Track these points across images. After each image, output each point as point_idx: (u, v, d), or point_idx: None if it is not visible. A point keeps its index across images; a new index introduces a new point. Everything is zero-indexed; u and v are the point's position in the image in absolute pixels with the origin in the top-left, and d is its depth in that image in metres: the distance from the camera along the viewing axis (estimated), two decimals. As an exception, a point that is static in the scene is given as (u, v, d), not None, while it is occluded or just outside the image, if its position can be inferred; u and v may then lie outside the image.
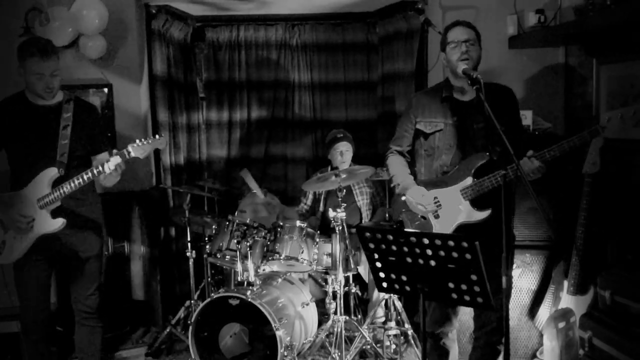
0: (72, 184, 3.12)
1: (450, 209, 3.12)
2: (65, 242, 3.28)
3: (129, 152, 3.08)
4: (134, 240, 4.70)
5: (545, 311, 3.63)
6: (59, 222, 3.16)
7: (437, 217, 3.16)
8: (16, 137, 3.20)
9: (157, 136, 3.17)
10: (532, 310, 3.74)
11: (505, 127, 2.90)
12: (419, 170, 3.32)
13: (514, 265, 3.71)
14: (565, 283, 3.48)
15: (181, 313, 4.49)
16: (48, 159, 3.18)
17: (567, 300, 3.45)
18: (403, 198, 3.23)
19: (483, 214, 3.05)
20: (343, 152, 4.54)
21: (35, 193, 3.16)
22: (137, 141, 3.10)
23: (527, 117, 4.05)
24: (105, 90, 4.60)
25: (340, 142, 4.55)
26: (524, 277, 3.76)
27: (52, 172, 3.17)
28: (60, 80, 3.22)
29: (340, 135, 4.58)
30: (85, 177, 3.11)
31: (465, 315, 3.62)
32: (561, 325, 3.31)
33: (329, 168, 4.66)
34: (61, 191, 3.14)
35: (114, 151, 3.10)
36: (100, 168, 3.07)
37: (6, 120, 3.21)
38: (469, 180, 3.07)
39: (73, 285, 3.39)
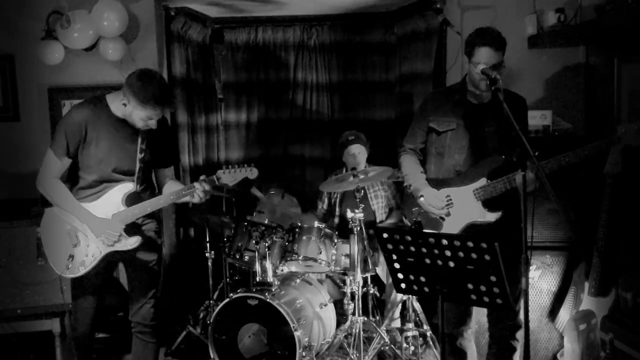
0: (153, 205, 3.09)
1: (461, 208, 3.19)
2: (127, 255, 3.20)
3: (218, 179, 3.08)
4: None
5: (565, 313, 3.60)
6: (137, 241, 3.11)
7: (448, 215, 3.21)
8: (93, 147, 3.06)
9: (248, 167, 3.12)
10: (553, 311, 3.70)
11: (516, 133, 2.95)
12: (429, 169, 3.39)
13: (534, 267, 3.69)
14: (586, 284, 3.45)
15: (200, 313, 4.52)
16: (125, 173, 3.11)
17: (588, 301, 3.42)
18: (420, 199, 3.25)
19: (494, 215, 3.12)
20: (355, 155, 4.52)
21: (110, 207, 3.08)
22: (227, 168, 3.09)
23: (547, 117, 4.02)
24: (125, 92, 4.63)
25: (352, 144, 4.53)
26: (544, 278, 3.73)
27: (129, 188, 3.11)
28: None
29: (352, 137, 4.56)
30: (171, 197, 3.10)
31: (485, 317, 3.59)
32: (582, 327, 3.28)
33: (344, 170, 4.66)
34: (138, 210, 3.08)
35: (202, 177, 3.08)
36: (189, 192, 3.06)
37: (86, 129, 3.04)
38: (482, 181, 3.13)
39: (130, 293, 3.32)
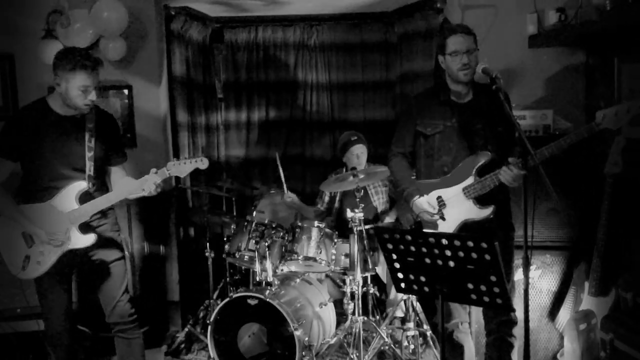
0: (107, 200, 3.12)
1: (454, 207, 3.21)
2: (87, 254, 3.22)
3: (168, 171, 3.10)
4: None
5: (565, 313, 3.59)
6: (91, 238, 3.12)
7: (442, 218, 3.24)
8: (39, 148, 3.08)
9: (198, 158, 3.16)
10: (553, 311, 3.70)
11: (502, 128, 3.01)
12: (419, 170, 3.43)
13: (534, 267, 3.69)
14: (587, 284, 3.45)
15: (200, 312, 4.52)
16: (76, 172, 3.13)
17: (588, 301, 3.42)
18: (413, 207, 3.31)
19: (486, 212, 3.14)
20: (359, 155, 4.51)
21: (64, 207, 3.10)
22: (177, 160, 3.12)
23: (547, 117, 4.01)
24: (125, 91, 4.64)
25: (356, 144, 4.52)
26: (544, 278, 3.72)
27: (82, 186, 3.13)
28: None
29: (355, 138, 4.55)
30: (122, 193, 3.12)
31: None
32: (582, 327, 3.28)
33: (344, 169, 4.65)
34: (91, 207, 3.10)
35: (153, 170, 3.09)
36: (139, 185, 3.08)
37: (28, 129, 3.08)
38: (470, 179, 3.15)
39: (100, 295, 3.31)
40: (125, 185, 3.19)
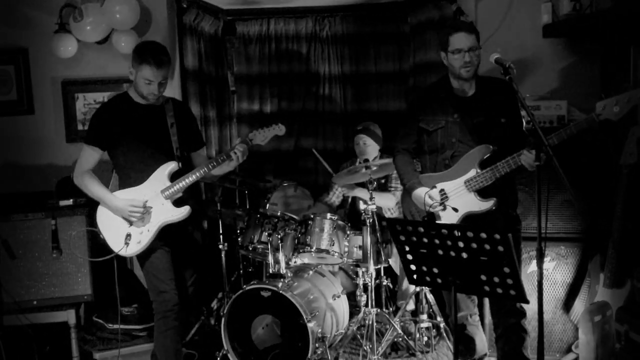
0: (196, 175, 3.28)
1: (456, 200, 3.23)
2: (182, 229, 3.39)
3: (251, 140, 3.35)
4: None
5: (580, 304, 3.57)
6: (186, 210, 3.29)
7: (444, 209, 3.26)
8: (128, 136, 3.26)
9: (276, 125, 3.39)
10: (567, 303, 3.68)
11: (506, 120, 3.00)
12: (423, 165, 3.48)
13: (548, 258, 3.67)
14: (602, 276, 3.42)
15: (214, 304, 4.54)
16: (165, 154, 3.31)
17: (603, 293, 3.39)
18: (414, 199, 3.34)
19: (487, 204, 3.16)
20: (361, 145, 4.51)
21: (158, 185, 3.28)
22: (256, 129, 3.36)
23: (562, 108, 3.97)
24: (139, 84, 4.65)
25: (359, 134, 4.52)
26: (558, 269, 3.70)
27: (172, 166, 3.30)
28: (165, 87, 3.29)
29: (360, 127, 4.55)
30: (210, 165, 3.29)
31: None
32: (597, 318, 3.26)
33: (357, 161, 4.64)
34: (185, 182, 3.28)
35: (238, 139, 3.28)
36: (226, 157, 3.28)
37: (115, 120, 3.27)
38: (472, 172, 3.17)
39: (180, 276, 3.45)
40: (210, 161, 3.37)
